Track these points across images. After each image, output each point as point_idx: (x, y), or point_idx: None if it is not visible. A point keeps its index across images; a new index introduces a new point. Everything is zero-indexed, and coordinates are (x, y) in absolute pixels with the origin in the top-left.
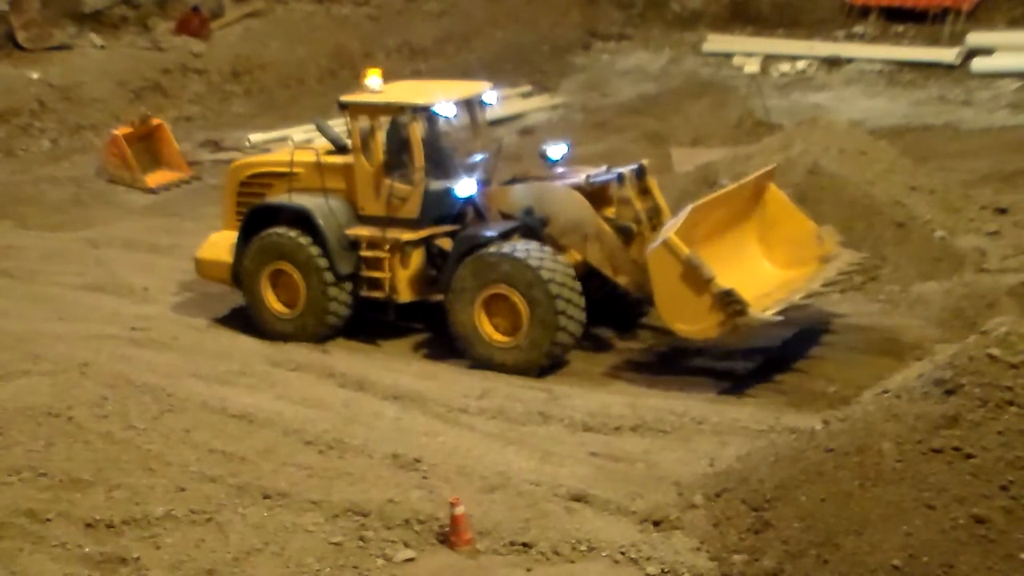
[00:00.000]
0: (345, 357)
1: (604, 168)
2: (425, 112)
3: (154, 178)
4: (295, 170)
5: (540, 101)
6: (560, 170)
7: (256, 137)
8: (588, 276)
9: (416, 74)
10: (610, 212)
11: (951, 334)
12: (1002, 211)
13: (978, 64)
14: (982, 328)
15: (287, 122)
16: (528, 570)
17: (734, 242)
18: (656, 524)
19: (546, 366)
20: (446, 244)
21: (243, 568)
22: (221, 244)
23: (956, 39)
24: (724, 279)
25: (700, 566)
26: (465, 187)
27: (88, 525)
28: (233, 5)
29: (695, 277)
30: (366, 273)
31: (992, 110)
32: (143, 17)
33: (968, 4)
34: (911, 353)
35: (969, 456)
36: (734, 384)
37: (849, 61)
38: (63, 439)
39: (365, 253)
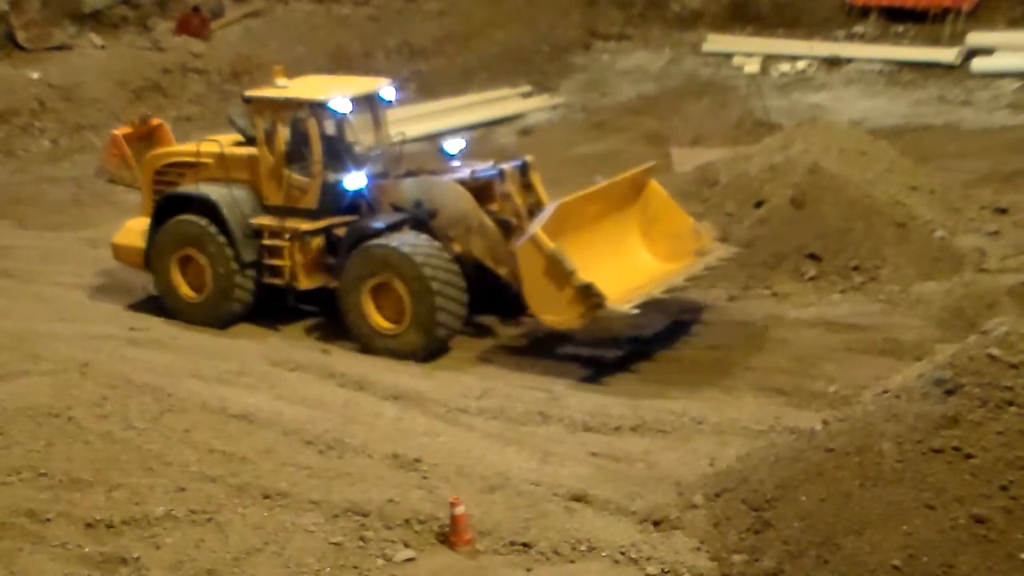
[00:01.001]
0: (345, 357)
1: (491, 164)
2: (322, 107)
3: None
4: (203, 160)
5: (540, 101)
6: (453, 164)
7: None
8: (476, 267)
9: (416, 74)
10: (495, 206)
11: (951, 334)
12: (1002, 211)
13: (978, 64)
14: (982, 328)
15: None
16: (528, 570)
17: (614, 236)
18: (656, 524)
19: (428, 353)
20: (343, 234)
21: (243, 568)
22: (135, 230)
23: (956, 39)
24: (598, 272)
25: (700, 566)
26: (354, 180)
27: (88, 525)
28: (233, 5)
29: (558, 270)
30: (268, 261)
31: (992, 110)
32: (143, 17)
33: (968, 4)
34: (911, 353)
35: (969, 456)
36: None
37: (849, 61)
38: (63, 439)
39: (267, 242)
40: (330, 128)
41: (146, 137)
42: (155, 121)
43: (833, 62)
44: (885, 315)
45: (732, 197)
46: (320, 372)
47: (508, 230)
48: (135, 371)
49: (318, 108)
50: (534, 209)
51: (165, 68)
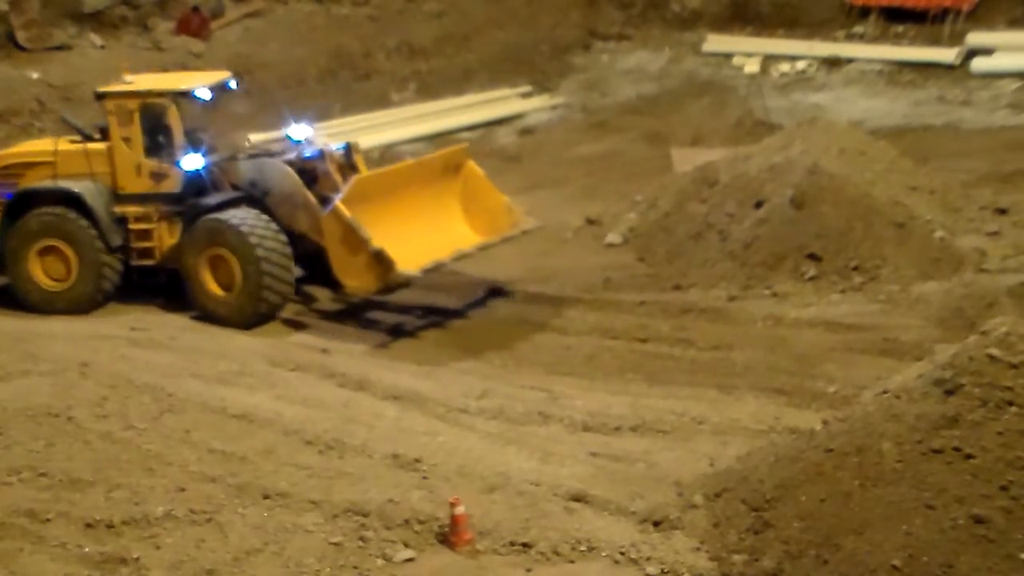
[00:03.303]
0: (345, 357)
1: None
2: (186, 96)
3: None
4: (43, 160)
5: (540, 101)
6: (282, 147)
7: (256, 137)
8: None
9: (416, 74)
10: (317, 184)
11: (951, 334)
12: (1002, 211)
13: (978, 64)
14: (982, 328)
15: (287, 122)
16: (528, 570)
17: (428, 210)
18: (656, 524)
19: (258, 319)
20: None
21: (243, 568)
22: None
23: (956, 39)
24: (398, 241)
25: (700, 566)
26: (191, 161)
27: (88, 525)
28: (233, 5)
29: (355, 238)
30: (137, 244)
31: (992, 110)
32: (143, 17)
33: (968, 4)
34: (911, 353)
35: (969, 456)
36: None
37: (849, 61)
38: (63, 439)
39: (135, 226)
40: (185, 117)
41: None
42: None
43: (833, 62)
44: (885, 315)
45: (732, 197)
46: (320, 372)
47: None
48: (135, 371)
49: (181, 97)
50: None
51: (165, 68)
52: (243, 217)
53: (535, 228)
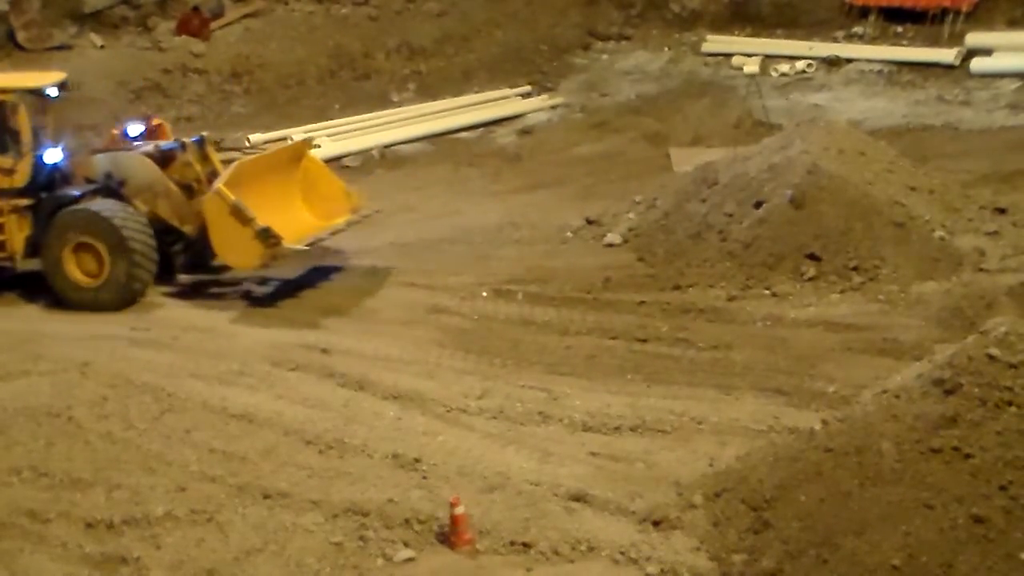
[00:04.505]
0: (345, 357)
1: (173, 140)
2: (35, 94)
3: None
4: None
5: (540, 101)
6: (138, 143)
7: (256, 137)
8: (164, 228)
9: (416, 74)
10: (176, 175)
11: (950, 334)
12: (1001, 211)
13: (977, 64)
14: (981, 328)
15: (287, 122)
16: (528, 570)
17: (278, 196)
18: (656, 524)
19: (123, 304)
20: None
21: (243, 568)
22: None
23: (955, 39)
24: (265, 221)
25: (700, 566)
26: (51, 155)
27: (88, 525)
28: (233, 5)
29: (241, 218)
30: None
31: (991, 110)
32: (143, 17)
33: (967, 4)
34: (910, 353)
35: (968, 456)
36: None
37: (849, 61)
38: (63, 439)
39: None
40: (31, 114)
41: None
42: (155, 121)
43: (833, 62)
44: (884, 315)
45: (731, 197)
46: (320, 372)
47: (191, 193)
48: (135, 371)
49: (28, 95)
50: (211, 177)
51: (165, 68)
52: (108, 206)
53: (375, 211)
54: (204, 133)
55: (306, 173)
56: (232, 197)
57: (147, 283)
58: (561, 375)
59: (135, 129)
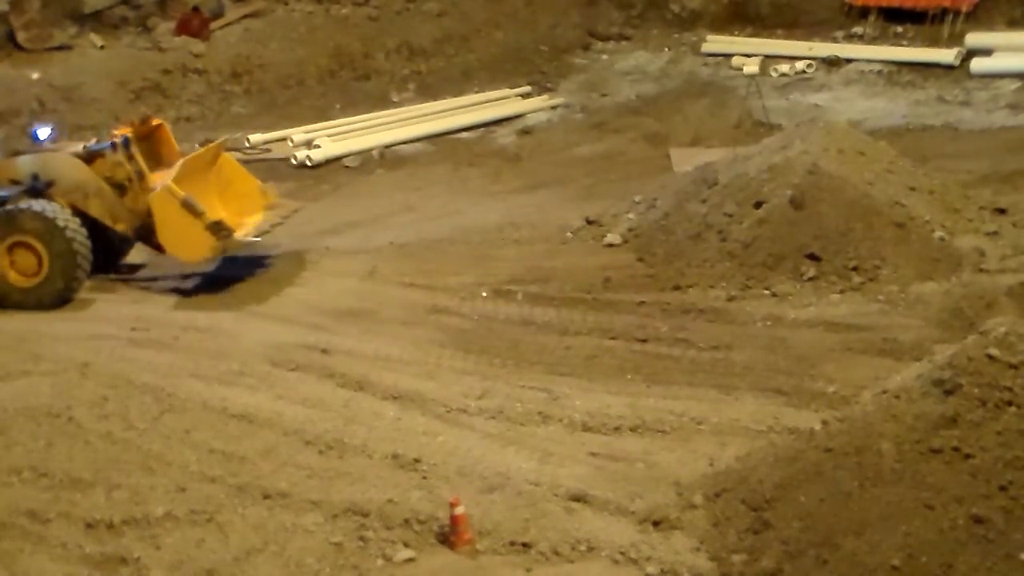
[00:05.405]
0: (345, 357)
1: (94, 140)
2: None
3: (154, 178)
4: None
5: (540, 101)
6: (60, 144)
7: (256, 137)
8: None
9: (416, 74)
10: (108, 173)
11: (950, 334)
12: (1001, 211)
13: (977, 65)
14: (981, 328)
15: (287, 122)
16: (528, 570)
17: (202, 194)
18: (656, 524)
19: (60, 302)
20: None
21: (243, 568)
22: None
23: (955, 40)
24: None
25: (700, 566)
26: None
27: (88, 525)
28: (233, 5)
29: (191, 212)
30: None
31: (991, 110)
32: (143, 17)
33: (967, 5)
34: (910, 353)
35: (968, 456)
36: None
37: (848, 61)
38: (63, 439)
39: None
40: None
41: (146, 137)
42: (155, 121)
43: (832, 62)
44: (884, 315)
45: (731, 197)
46: (320, 372)
47: (123, 191)
48: (135, 371)
49: None
50: (139, 175)
51: (165, 68)
52: (41, 205)
53: (300, 207)
54: (128, 133)
55: (220, 172)
56: (181, 194)
57: (83, 282)
58: (561, 375)
59: (43, 133)
